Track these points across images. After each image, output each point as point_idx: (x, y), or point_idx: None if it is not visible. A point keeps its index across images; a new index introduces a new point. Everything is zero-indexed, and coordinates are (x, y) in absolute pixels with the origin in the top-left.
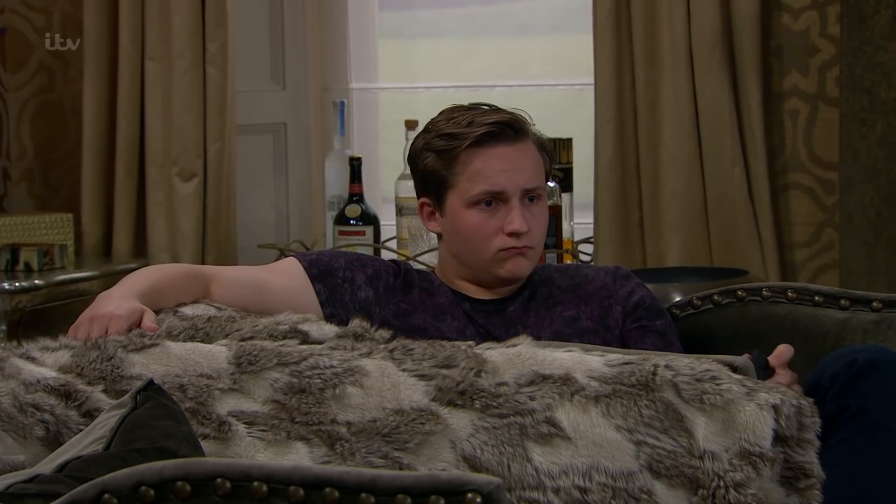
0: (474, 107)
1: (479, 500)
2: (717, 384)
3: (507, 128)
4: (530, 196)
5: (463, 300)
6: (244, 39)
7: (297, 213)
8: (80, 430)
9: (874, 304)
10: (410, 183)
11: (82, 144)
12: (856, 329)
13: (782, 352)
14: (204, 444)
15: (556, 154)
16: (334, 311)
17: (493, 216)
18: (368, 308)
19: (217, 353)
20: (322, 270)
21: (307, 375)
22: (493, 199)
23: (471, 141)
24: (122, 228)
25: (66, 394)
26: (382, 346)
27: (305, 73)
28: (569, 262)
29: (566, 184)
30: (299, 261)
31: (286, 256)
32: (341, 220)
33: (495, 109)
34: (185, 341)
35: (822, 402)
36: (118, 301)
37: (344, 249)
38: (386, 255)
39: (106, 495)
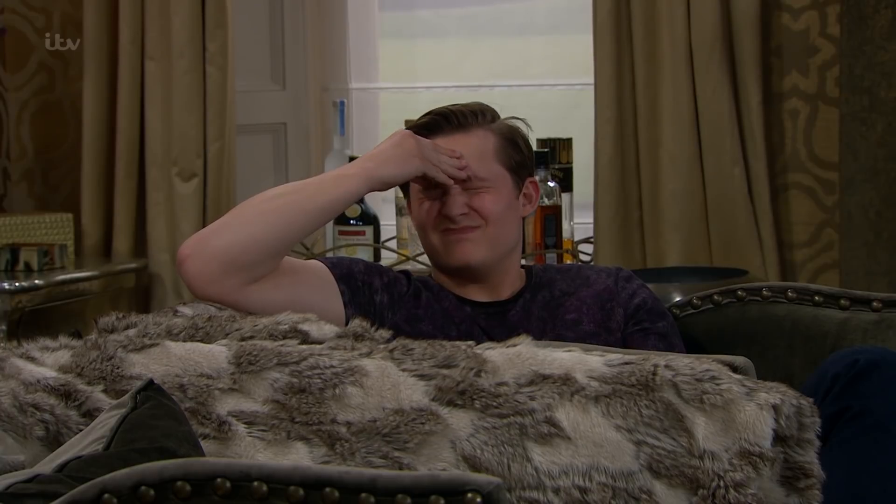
0: (452, 105)
1: (479, 499)
2: (717, 384)
3: (442, 119)
4: (475, 186)
5: (464, 303)
6: (244, 39)
7: None
8: (80, 430)
9: (874, 304)
10: None
11: (82, 144)
12: (856, 329)
13: None
14: (204, 444)
15: (555, 154)
16: (355, 311)
17: (434, 203)
18: (382, 312)
19: (217, 353)
20: (344, 273)
21: (307, 375)
22: (436, 188)
23: (414, 133)
24: (122, 228)
25: (66, 394)
26: (382, 346)
27: (305, 72)
28: (569, 262)
29: (566, 184)
30: (322, 262)
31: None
32: (341, 220)
33: (454, 104)
34: (185, 341)
35: (824, 402)
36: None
37: (343, 251)
38: (386, 255)
39: (106, 495)
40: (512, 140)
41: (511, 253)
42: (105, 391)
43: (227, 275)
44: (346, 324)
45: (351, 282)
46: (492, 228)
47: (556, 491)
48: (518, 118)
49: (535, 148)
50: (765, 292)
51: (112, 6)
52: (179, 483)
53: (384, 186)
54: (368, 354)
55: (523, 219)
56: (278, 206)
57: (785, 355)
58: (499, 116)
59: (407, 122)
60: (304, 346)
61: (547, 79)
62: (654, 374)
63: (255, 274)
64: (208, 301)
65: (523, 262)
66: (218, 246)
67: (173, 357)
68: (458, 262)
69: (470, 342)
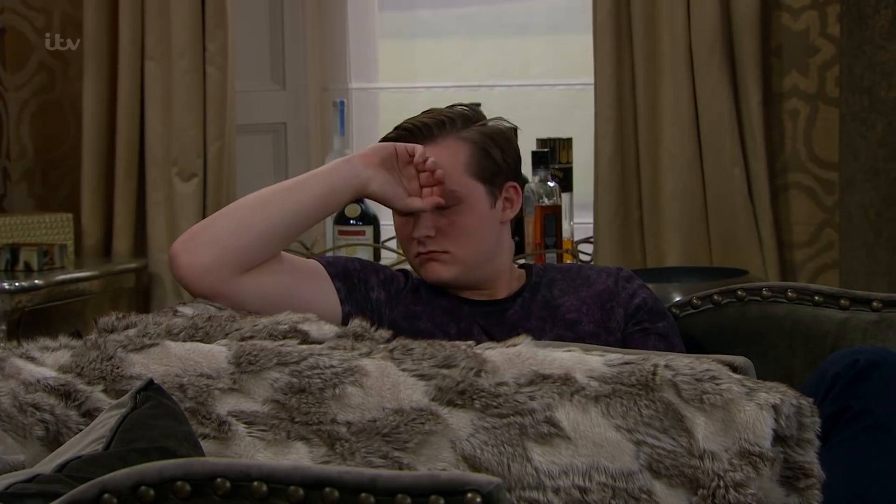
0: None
1: (478, 499)
2: (717, 384)
3: (407, 133)
4: (444, 203)
5: (462, 302)
6: (244, 39)
7: None
8: (80, 430)
9: (874, 304)
10: None
11: (82, 144)
12: (856, 329)
13: None
14: (204, 444)
15: (555, 154)
16: (352, 309)
17: (409, 220)
18: (380, 309)
19: (217, 353)
20: (340, 271)
21: (307, 375)
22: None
23: None
24: (122, 228)
25: (66, 394)
26: (382, 346)
27: (305, 73)
28: (569, 262)
29: (566, 184)
30: (317, 261)
31: None
32: (341, 220)
33: (423, 114)
34: (185, 341)
35: (823, 402)
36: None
37: (343, 251)
38: (386, 255)
39: (106, 495)
40: (483, 149)
41: (492, 259)
42: (105, 391)
43: (220, 263)
44: (344, 321)
45: (346, 279)
46: (461, 249)
47: (556, 491)
48: (502, 119)
49: (534, 148)
50: (765, 292)
51: (112, 6)
52: (179, 483)
53: (365, 161)
54: (368, 354)
55: (519, 218)
56: (266, 199)
57: (785, 355)
58: (475, 121)
59: None
60: (303, 346)
61: (547, 79)
62: (654, 374)
63: (247, 260)
64: (203, 295)
65: (523, 261)
66: (208, 235)
67: (173, 357)
68: (430, 280)
69: (470, 342)
